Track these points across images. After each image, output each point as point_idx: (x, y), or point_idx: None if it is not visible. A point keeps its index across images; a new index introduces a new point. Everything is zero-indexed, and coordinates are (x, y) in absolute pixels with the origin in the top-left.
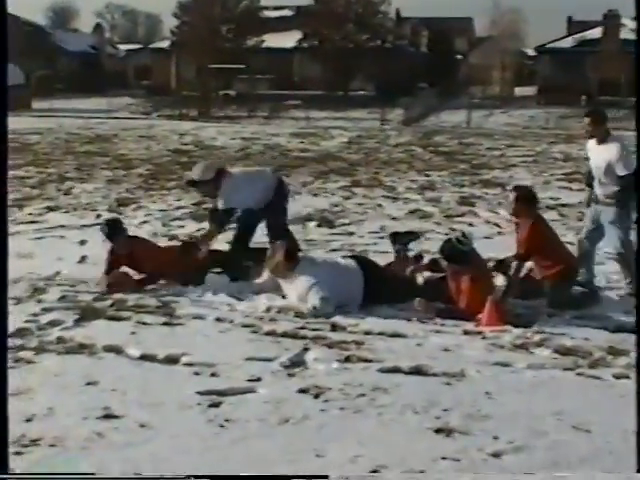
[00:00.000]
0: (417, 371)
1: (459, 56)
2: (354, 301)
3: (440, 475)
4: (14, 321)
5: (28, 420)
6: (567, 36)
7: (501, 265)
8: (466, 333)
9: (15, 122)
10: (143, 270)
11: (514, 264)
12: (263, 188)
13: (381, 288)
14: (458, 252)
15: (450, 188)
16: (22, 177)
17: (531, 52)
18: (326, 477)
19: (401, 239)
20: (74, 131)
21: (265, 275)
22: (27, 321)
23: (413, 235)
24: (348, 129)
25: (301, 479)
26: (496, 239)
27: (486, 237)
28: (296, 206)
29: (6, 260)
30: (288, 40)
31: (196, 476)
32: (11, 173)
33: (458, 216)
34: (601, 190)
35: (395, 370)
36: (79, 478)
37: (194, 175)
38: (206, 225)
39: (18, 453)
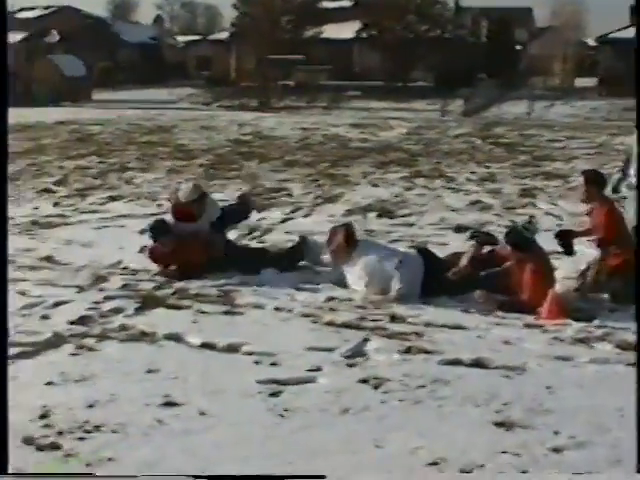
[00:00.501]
0: (478, 364)
1: (519, 47)
2: (414, 289)
3: (501, 469)
4: (77, 309)
5: (91, 406)
6: (629, 26)
7: (564, 235)
8: (527, 326)
9: (77, 112)
10: (183, 262)
11: (596, 256)
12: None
13: (441, 279)
14: (523, 238)
15: (511, 180)
16: (84, 167)
17: (592, 42)
18: (323, 477)
19: (480, 239)
20: (135, 122)
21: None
22: (89, 309)
23: (493, 240)
24: (408, 120)
25: (298, 479)
26: None
27: (547, 230)
28: (356, 197)
29: (6, 259)
30: (347, 31)
31: (196, 476)
32: (73, 163)
33: (519, 208)
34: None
35: (456, 362)
36: (79, 478)
37: (183, 198)
38: (267, 214)
39: (81, 439)
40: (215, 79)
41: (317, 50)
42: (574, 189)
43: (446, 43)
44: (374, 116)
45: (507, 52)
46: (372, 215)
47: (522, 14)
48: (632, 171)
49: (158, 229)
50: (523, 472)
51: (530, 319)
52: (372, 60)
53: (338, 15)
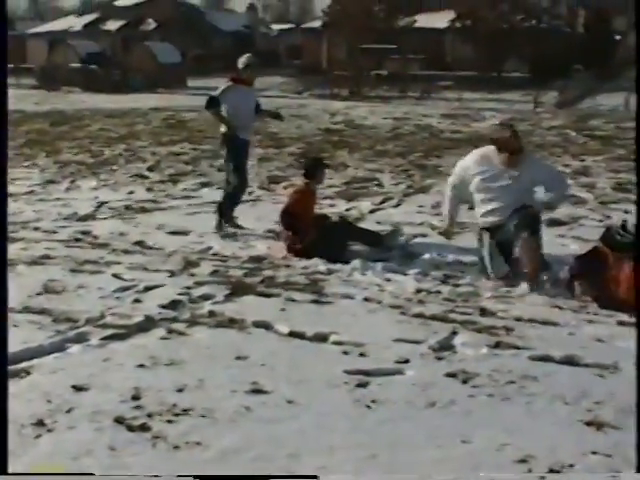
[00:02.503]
0: (569, 361)
1: (618, 37)
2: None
3: (591, 469)
4: (168, 293)
5: (179, 390)
6: None
7: None
8: (620, 324)
9: (171, 99)
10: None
11: None
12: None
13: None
14: (618, 242)
15: (606, 174)
16: (177, 153)
17: None
18: (316, 477)
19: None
20: None
21: None
22: (180, 294)
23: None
24: (501, 111)
25: (292, 479)
26: None
27: None
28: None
29: (6, 258)
30: (440, 20)
31: (200, 476)
32: (166, 149)
33: (613, 202)
34: None
35: (546, 359)
36: (79, 478)
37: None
38: (356, 203)
39: (170, 422)
40: (306, 68)
41: (410, 40)
42: None
43: (541, 33)
44: (466, 107)
45: (605, 43)
46: (463, 207)
47: (621, 3)
48: None
49: (313, 165)
50: (614, 475)
51: (624, 317)
52: (465, 50)
53: (431, 4)
